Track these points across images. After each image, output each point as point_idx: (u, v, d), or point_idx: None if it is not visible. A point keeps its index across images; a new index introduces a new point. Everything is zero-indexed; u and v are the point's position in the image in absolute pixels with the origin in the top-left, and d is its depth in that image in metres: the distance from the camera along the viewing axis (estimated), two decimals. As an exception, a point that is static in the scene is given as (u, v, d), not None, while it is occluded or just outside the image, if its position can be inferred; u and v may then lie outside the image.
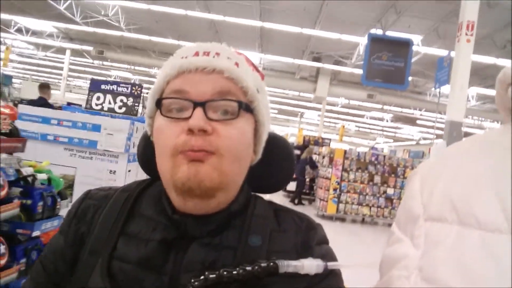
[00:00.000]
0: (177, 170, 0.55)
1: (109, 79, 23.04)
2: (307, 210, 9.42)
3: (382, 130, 28.49)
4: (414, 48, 10.38)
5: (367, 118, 23.39)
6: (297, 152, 11.68)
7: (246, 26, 10.71)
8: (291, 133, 24.48)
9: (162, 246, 0.59)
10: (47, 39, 15.93)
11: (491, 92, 13.97)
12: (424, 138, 26.38)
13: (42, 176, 2.20)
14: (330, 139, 13.30)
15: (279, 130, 28.20)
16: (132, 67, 17.68)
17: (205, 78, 0.58)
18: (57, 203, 2.22)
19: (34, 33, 15.57)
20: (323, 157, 9.66)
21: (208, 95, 0.57)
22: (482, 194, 0.47)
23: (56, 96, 15.15)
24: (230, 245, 0.60)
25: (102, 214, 0.64)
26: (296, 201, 10.34)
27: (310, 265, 0.56)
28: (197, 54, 0.60)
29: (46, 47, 17.36)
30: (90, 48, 15.45)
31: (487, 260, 0.43)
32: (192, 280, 0.53)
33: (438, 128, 19.91)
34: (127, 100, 4.17)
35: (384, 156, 9.03)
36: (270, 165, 0.70)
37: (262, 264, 0.54)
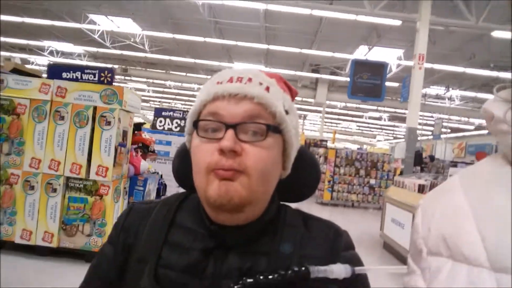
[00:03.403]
0: (209, 187, 0.61)
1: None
2: (309, 199, 11.34)
3: (381, 129, 29.58)
4: (397, 60, 12.23)
5: (366, 118, 24.53)
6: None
7: (254, 48, 12.54)
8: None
9: (203, 254, 0.65)
10: (75, 59, 17.89)
11: (470, 93, 15.77)
12: (422, 135, 27.77)
13: (160, 172, 4.24)
14: (326, 141, 15.15)
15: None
16: (150, 80, 19.58)
17: (237, 103, 0.62)
18: (166, 187, 4.28)
19: (63, 54, 17.46)
20: (320, 156, 11.57)
21: (239, 118, 0.61)
22: (467, 232, 0.49)
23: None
24: (264, 252, 0.65)
25: (146, 225, 0.71)
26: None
27: (338, 270, 0.60)
28: (231, 80, 0.65)
29: (73, 66, 19.21)
30: (113, 66, 17.34)
31: None
32: (232, 285, 0.59)
33: (426, 125, 21.50)
34: (180, 122, 6.25)
35: (367, 154, 10.97)
36: (298, 177, 0.74)
37: (295, 269, 0.59)
